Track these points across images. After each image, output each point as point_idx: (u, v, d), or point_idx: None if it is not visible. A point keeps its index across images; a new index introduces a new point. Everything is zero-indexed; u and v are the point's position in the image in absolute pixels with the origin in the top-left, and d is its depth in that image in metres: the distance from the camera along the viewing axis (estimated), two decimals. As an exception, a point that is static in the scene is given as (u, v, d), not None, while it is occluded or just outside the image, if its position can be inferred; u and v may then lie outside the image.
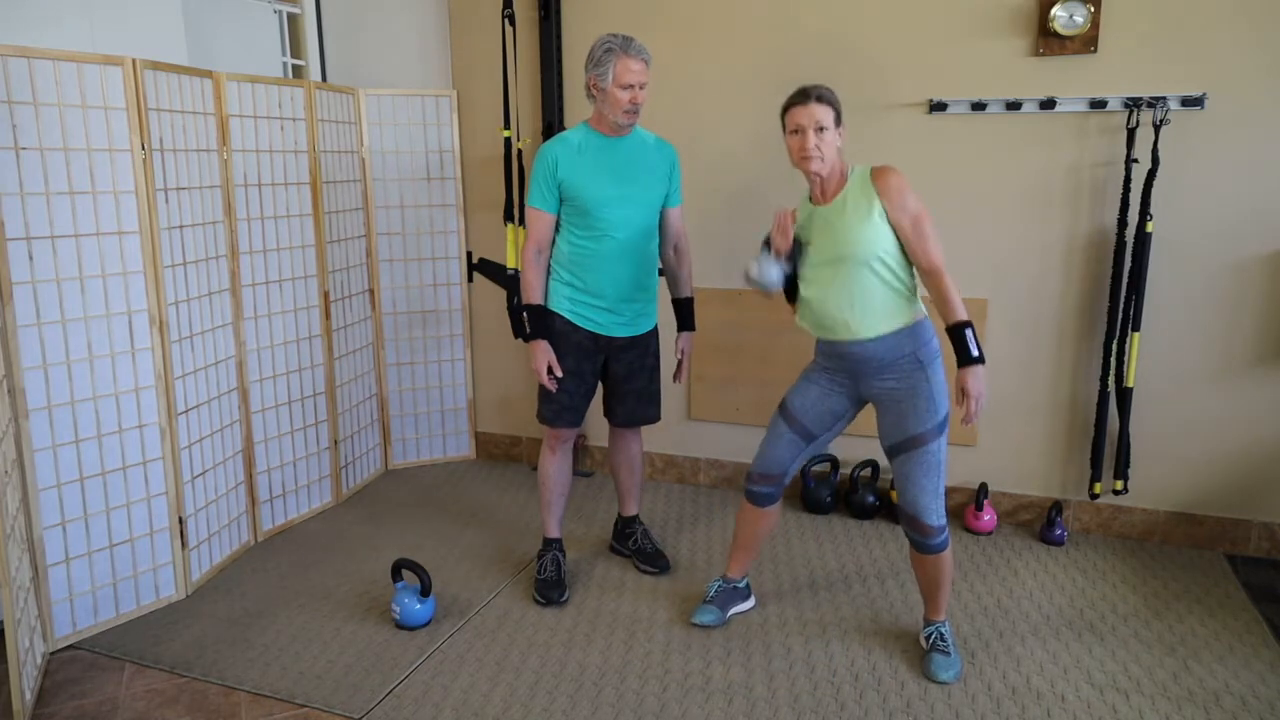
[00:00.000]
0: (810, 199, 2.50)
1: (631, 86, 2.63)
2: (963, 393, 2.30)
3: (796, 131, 2.39)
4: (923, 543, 2.43)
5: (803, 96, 2.39)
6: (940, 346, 2.43)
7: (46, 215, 2.52)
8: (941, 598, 2.54)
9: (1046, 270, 3.22)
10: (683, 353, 3.00)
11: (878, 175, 2.39)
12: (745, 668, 2.52)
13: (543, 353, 2.77)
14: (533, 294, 2.78)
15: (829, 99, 2.39)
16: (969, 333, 2.29)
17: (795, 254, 2.49)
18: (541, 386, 2.83)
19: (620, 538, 3.22)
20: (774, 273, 2.47)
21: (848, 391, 2.51)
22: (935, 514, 2.40)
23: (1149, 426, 3.19)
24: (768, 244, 2.52)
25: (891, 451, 2.44)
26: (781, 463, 2.61)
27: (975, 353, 2.29)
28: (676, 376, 3.04)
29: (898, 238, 2.37)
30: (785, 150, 3.46)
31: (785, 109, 2.44)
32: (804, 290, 2.49)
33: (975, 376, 2.29)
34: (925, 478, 2.39)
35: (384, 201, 3.89)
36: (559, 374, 2.79)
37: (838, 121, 2.40)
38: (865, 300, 2.37)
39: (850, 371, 2.47)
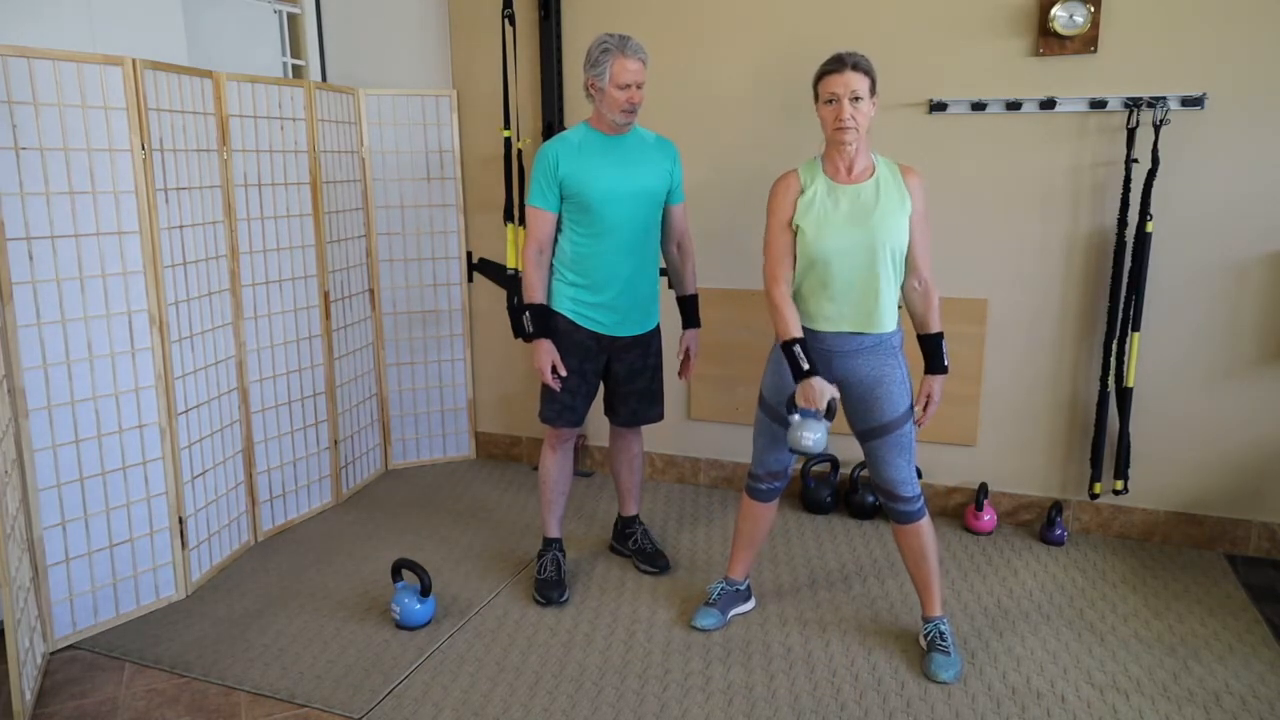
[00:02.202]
0: (824, 171, 2.41)
1: (629, 86, 2.63)
2: (927, 398, 2.47)
3: (831, 101, 2.31)
4: (902, 511, 2.47)
5: (838, 64, 2.30)
6: (904, 336, 2.51)
7: (46, 215, 2.52)
8: (934, 584, 2.54)
9: (1046, 270, 3.22)
10: (688, 350, 3.00)
11: (908, 173, 2.40)
12: (745, 668, 2.52)
13: (546, 352, 2.77)
14: (534, 293, 2.78)
15: (865, 66, 2.31)
16: (945, 344, 2.48)
17: (832, 406, 2.36)
18: (543, 386, 2.83)
19: (620, 538, 3.22)
20: (822, 432, 2.34)
21: (822, 377, 2.51)
22: (910, 485, 2.46)
23: (1149, 426, 3.19)
24: (792, 405, 2.37)
25: (864, 435, 2.49)
26: (783, 459, 2.63)
27: (947, 362, 2.48)
28: (682, 373, 3.04)
29: None
30: (785, 148, 3.47)
31: (819, 76, 2.35)
32: (821, 276, 2.38)
33: (940, 384, 2.48)
34: (899, 457, 2.45)
35: (384, 201, 3.89)
36: (563, 373, 2.78)
37: (873, 91, 2.32)
38: (887, 291, 2.39)
39: (826, 356, 2.46)
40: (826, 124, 2.35)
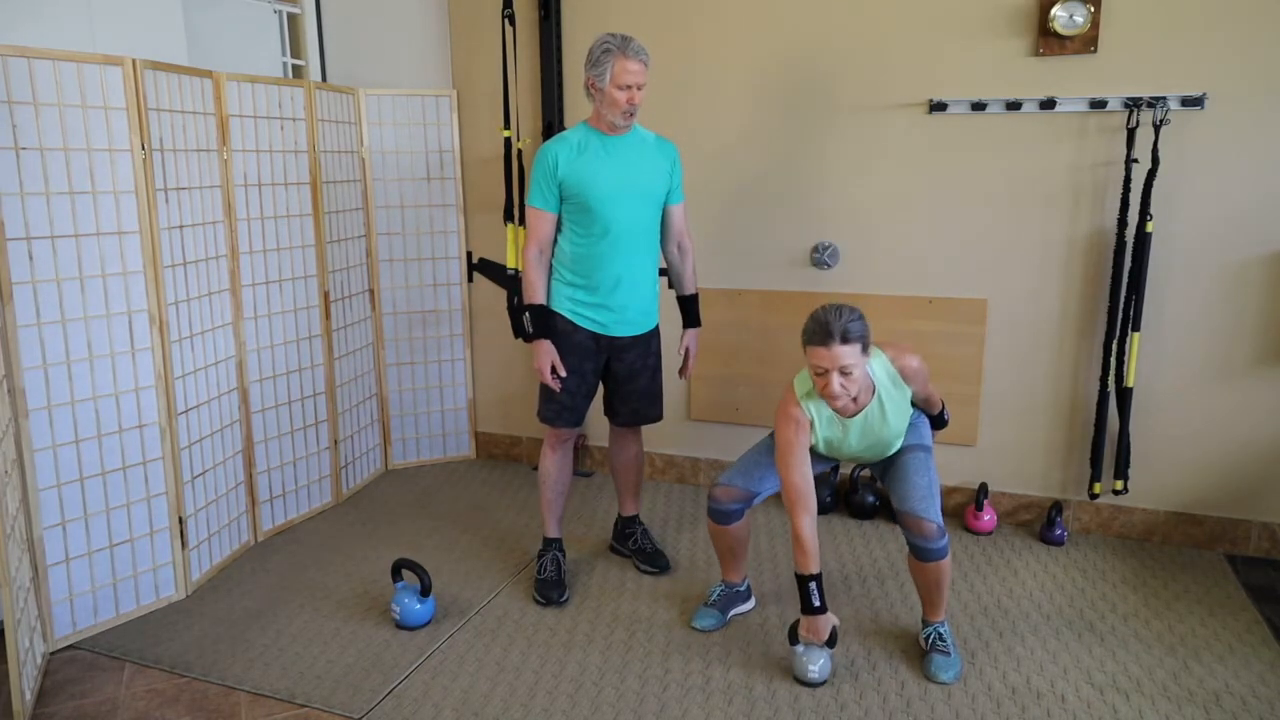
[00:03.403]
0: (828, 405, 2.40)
1: (629, 87, 2.63)
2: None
3: (819, 373, 2.24)
4: (925, 548, 2.39)
5: (825, 337, 2.19)
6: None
7: (46, 215, 2.52)
8: (940, 601, 2.53)
9: (1046, 270, 3.22)
10: (688, 349, 3.00)
11: (904, 369, 2.38)
12: (745, 668, 2.52)
13: (546, 353, 2.77)
14: (535, 294, 2.78)
15: (855, 335, 2.19)
16: (947, 410, 2.70)
17: (833, 638, 2.41)
18: (543, 386, 2.83)
19: (620, 538, 3.22)
20: (826, 661, 2.40)
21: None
22: (934, 511, 2.40)
23: (1149, 426, 3.19)
24: (794, 637, 2.42)
25: (885, 470, 2.55)
26: (762, 484, 2.61)
27: (947, 418, 2.69)
28: (682, 372, 3.04)
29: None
30: (784, 149, 3.47)
31: (805, 342, 2.24)
32: (836, 460, 2.65)
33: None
34: (919, 475, 2.42)
35: (384, 201, 3.89)
36: (562, 374, 2.78)
37: (865, 350, 2.24)
38: (897, 445, 2.53)
39: None
40: (817, 389, 2.30)
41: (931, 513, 2.38)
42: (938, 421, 2.68)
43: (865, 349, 2.24)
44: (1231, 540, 3.17)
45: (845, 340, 2.18)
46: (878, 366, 2.37)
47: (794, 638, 2.43)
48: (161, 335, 2.80)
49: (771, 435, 2.63)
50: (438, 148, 3.94)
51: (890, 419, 2.41)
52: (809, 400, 2.41)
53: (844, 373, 2.21)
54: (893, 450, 2.52)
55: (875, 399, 2.37)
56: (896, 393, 2.39)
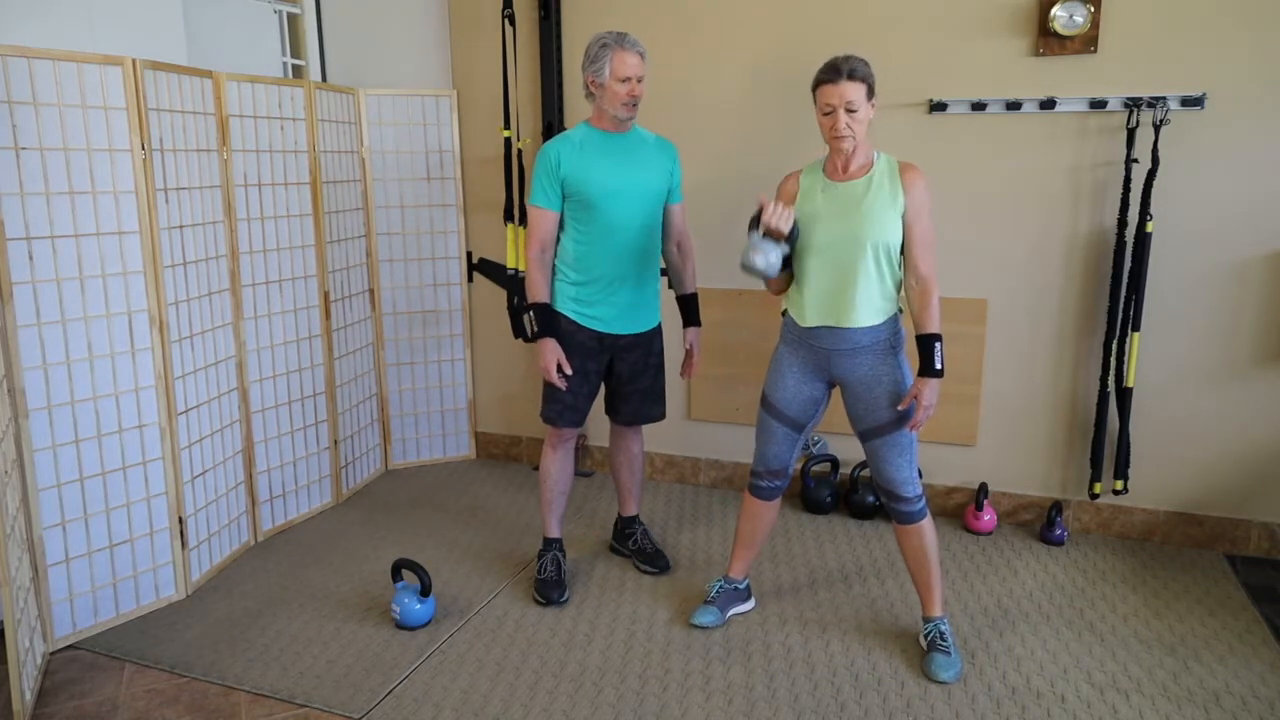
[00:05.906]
0: (823, 170, 2.47)
1: (629, 79, 2.64)
2: (916, 400, 2.37)
3: (828, 111, 2.35)
4: (903, 511, 2.49)
5: (833, 74, 2.33)
6: (905, 338, 2.50)
7: (46, 215, 2.52)
8: (934, 584, 2.54)
9: (1046, 270, 3.22)
10: (691, 346, 3.00)
11: (906, 170, 2.40)
12: (745, 668, 2.53)
13: (551, 351, 2.76)
14: (538, 293, 2.78)
15: (861, 74, 2.33)
16: (939, 345, 2.37)
17: (793, 235, 2.37)
18: (545, 386, 2.83)
19: (620, 538, 3.22)
20: (775, 256, 2.36)
21: (821, 375, 2.53)
22: (912, 485, 2.47)
23: (1149, 426, 3.19)
24: (755, 224, 2.38)
25: (865, 435, 2.50)
26: (783, 458, 2.63)
27: (939, 366, 2.36)
28: (684, 372, 3.04)
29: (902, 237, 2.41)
30: (783, 150, 3.47)
31: (816, 85, 2.37)
32: (806, 267, 2.43)
33: (932, 388, 2.37)
34: (901, 457, 2.46)
35: (384, 201, 3.89)
36: (568, 372, 2.78)
37: (869, 95, 2.35)
38: (866, 288, 2.39)
39: (824, 355, 2.48)
40: (824, 131, 2.39)
41: (908, 488, 2.47)
42: (926, 363, 2.35)
43: (870, 93, 2.34)
44: (1231, 540, 3.18)
45: (851, 77, 2.30)
46: (884, 158, 2.43)
47: (754, 223, 2.38)
48: (161, 335, 2.80)
49: (761, 407, 2.62)
50: (438, 148, 3.94)
51: (870, 201, 2.36)
52: (809, 173, 2.50)
53: (849, 110, 2.31)
54: (858, 246, 2.35)
55: (867, 176, 2.40)
56: (887, 184, 2.38)
